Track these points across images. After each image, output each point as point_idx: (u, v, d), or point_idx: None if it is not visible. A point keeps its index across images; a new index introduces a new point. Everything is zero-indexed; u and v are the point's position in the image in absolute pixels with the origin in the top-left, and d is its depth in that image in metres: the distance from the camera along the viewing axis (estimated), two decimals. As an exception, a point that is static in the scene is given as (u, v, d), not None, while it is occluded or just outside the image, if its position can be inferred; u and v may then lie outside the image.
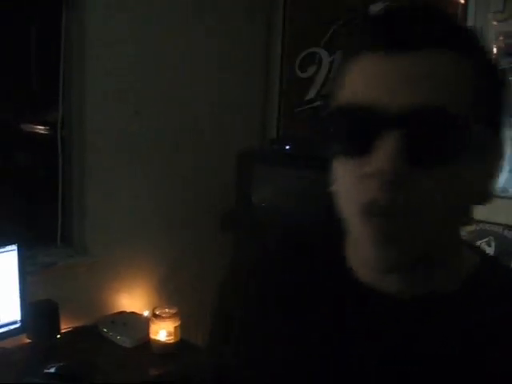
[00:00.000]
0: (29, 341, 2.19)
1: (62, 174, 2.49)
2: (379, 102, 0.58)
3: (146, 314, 2.52)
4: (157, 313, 2.29)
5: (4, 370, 2.01)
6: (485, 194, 0.66)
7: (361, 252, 0.64)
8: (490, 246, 2.15)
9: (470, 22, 2.23)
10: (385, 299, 0.68)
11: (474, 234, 2.18)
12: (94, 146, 2.46)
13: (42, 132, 2.66)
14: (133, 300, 2.64)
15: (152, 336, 2.27)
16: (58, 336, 2.22)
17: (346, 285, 0.71)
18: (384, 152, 0.57)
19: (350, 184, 0.62)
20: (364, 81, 0.61)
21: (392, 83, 0.58)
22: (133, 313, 2.56)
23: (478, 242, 2.16)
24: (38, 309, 2.16)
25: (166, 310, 2.32)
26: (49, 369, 1.97)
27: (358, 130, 0.60)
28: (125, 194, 2.59)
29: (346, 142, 0.62)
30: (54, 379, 1.94)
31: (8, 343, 2.10)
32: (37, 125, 2.67)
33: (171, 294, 2.69)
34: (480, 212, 2.33)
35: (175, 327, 2.28)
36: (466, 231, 2.18)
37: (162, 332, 2.26)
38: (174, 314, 2.30)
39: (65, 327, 2.30)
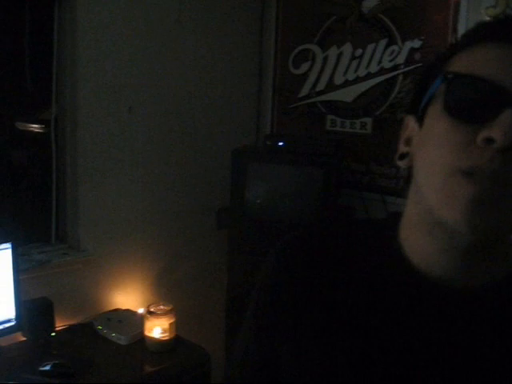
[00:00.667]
0: (24, 339, 2.18)
1: (56, 171, 2.49)
2: (503, 80, 0.62)
3: (140, 311, 2.52)
4: (151, 310, 2.29)
5: (-1, 367, 2.01)
6: None
7: (446, 215, 0.64)
8: None
9: (462, 17, 2.24)
10: (441, 290, 0.69)
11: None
12: (87, 144, 2.46)
13: (36, 130, 2.66)
14: (128, 297, 2.64)
15: (147, 333, 2.27)
16: (53, 334, 2.22)
17: (402, 275, 0.72)
18: (503, 125, 0.59)
19: (453, 145, 0.63)
20: (489, 60, 0.64)
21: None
22: (128, 310, 2.56)
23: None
24: (33, 307, 2.15)
25: (161, 306, 2.32)
26: (44, 366, 1.97)
27: (479, 99, 0.63)
28: (119, 191, 2.59)
29: (464, 106, 0.64)
30: (50, 377, 1.94)
31: (3, 341, 2.10)
32: (31, 123, 2.66)
33: (166, 291, 2.69)
34: None
35: (170, 324, 2.28)
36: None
37: (157, 329, 2.26)
38: (169, 310, 2.30)
39: (60, 325, 2.30)
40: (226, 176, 2.79)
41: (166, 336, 2.27)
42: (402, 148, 0.74)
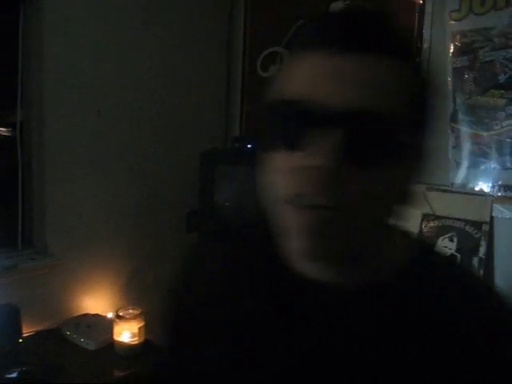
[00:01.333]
0: (-10, 346, 2.15)
1: (22, 175, 2.45)
2: (321, 99, 0.59)
3: (109, 315, 2.50)
4: (120, 314, 2.27)
5: (-36, 376, 1.97)
6: (406, 195, 0.68)
7: (285, 241, 0.66)
8: (452, 241, 2.19)
9: (427, 21, 2.28)
10: (319, 289, 0.70)
11: (436, 230, 2.22)
12: (54, 147, 2.43)
13: (1, 133, 2.61)
14: (96, 302, 2.61)
15: (116, 337, 2.25)
16: (20, 340, 2.18)
17: (283, 277, 0.73)
18: (323, 148, 0.58)
19: (282, 176, 0.63)
20: (307, 77, 0.62)
21: (335, 83, 0.60)
22: (96, 315, 2.53)
23: (441, 238, 2.20)
24: (-1, 313, 2.12)
25: (130, 310, 2.30)
26: (11, 374, 1.93)
27: (299, 123, 0.61)
28: (86, 195, 2.56)
29: (284, 135, 0.63)
30: (17, 384, 1.91)
31: (-32, 349, 2.06)
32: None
33: (135, 295, 2.67)
34: (441, 208, 2.37)
35: (139, 328, 2.26)
36: (428, 227, 2.22)
37: (126, 333, 2.24)
38: (138, 314, 2.29)
39: (27, 331, 2.26)
40: (195, 179, 2.79)
41: (135, 340, 2.25)
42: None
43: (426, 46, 2.29)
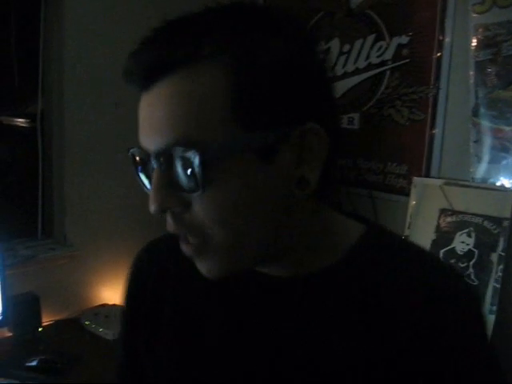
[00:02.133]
0: (10, 334, 2.18)
1: (42, 166, 2.47)
2: (143, 146, 0.64)
3: (128, 306, 2.52)
4: (139, 305, 2.28)
5: (-15, 363, 2.00)
6: (305, 183, 0.65)
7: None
8: (470, 236, 2.17)
9: (449, 14, 2.25)
10: (258, 280, 0.72)
11: (454, 225, 2.20)
12: (74, 139, 2.45)
13: (22, 125, 2.63)
14: (115, 292, 2.63)
15: (134, 328, 2.26)
16: (40, 329, 2.21)
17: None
18: (151, 193, 0.63)
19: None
20: (139, 123, 0.66)
21: (143, 124, 0.64)
22: (115, 305, 2.55)
23: (459, 233, 2.18)
24: (20, 302, 2.15)
25: (148, 302, 2.31)
26: (31, 362, 1.96)
27: (141, 169, 0.67)
28: (106, 186, 2.57)
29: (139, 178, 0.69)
30: (36, 372, 1.93)
31: (-11, 337, 2.09)
32: (16, 117, 2.64)
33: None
34: (460, 203, 2.35)
35: (157, 319, 2.27)
36: (446, 222, 2.20)
37: (145, 324, 2.25)
38: (157, 305, 2.30)
39: (46, 320, 2.29)
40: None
41: (153, 331, 2.26)
42: None
43: (448, 39, 2.26)
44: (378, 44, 2.52)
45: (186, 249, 0.67)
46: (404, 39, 2.42)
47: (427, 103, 2.34)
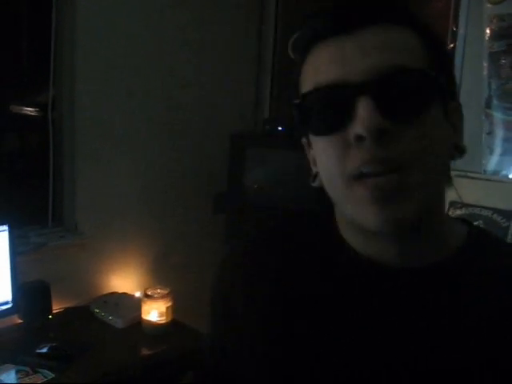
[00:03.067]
0: (20, 321, 2.19)
1: (53, 154, 2.48)
2: (343, 76, 0.63)
3: (137, 294, 2.53)
4: (149, 293, 2.29)
5: (-4, 350, 2.01)
6: (457, 147, 0.70)
7: (359, 218, 0.66)
8: (479, 229, 2.16)
9: (463, 4, 2.23)
10: (379, 270, 0.70)
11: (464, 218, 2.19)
12: (85, 127, 2.45)
13: (33, 113, 2.64)
14: (124, 280, 2.65)
15: (144, 316, 2.27)
16: (50, 316, 2.22)
17: (341, 258, 0.73)
18: (361, 116, 0.61)
19: (335, 158, 0.65)
20: (325, 64, 0.65)
21: (349, 58, 0.63)
22: (124, 293, 2.56)
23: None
24: (30, 289, 2.16)
25: (158, 290, 2.33)
26: (41, 349, 1.98)
27: (333, 106, 0.64)
28: (116, 174, 2.58)
29: (323, 121, 0.66)
30: (47, 359, 1.95)
31: None
32: (27, 106, 2.65)
33: (164, 275, 2.70)
34: (470, 196, 2.33)
35: (167, 308, 2.29)
36: (455, 215, 2.19)
37: (154, 312, 2.27)
38: (166, 294, 2.31)
39: (56, 308, 2.30)
40: (223, 161, 2.79)
41: (162, 320, 2.27)
42: (313, 168, 0.75)
43: (461, 30, 2.24)
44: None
45: (376, 183, 0.62)
46: (417, 30, 2.41)
47: (440, 94, 2.32)
